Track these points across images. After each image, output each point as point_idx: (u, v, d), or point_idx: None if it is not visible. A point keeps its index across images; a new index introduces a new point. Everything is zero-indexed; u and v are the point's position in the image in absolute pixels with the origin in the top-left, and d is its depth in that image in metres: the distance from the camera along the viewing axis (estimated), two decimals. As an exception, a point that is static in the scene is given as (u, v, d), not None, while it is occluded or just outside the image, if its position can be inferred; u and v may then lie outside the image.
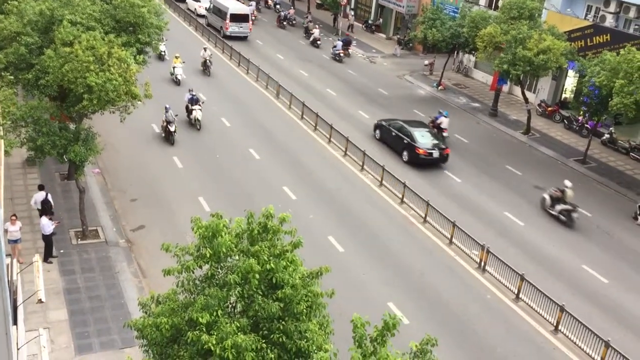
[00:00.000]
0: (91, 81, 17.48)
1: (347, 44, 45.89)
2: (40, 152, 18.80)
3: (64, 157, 19.18)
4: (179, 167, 26.03)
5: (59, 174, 23.96)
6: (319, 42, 47.71)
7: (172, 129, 27.72)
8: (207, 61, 37.89)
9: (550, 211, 24.95)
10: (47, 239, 18.89)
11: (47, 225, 18.66)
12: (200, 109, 29.83)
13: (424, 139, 28.38)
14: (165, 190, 24.11)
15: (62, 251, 19.53)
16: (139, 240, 20.87)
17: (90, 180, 23.67)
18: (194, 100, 30.03)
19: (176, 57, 36.08)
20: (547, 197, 25.23)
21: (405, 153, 28.70)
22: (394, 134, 29.56)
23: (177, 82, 35.69)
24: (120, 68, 18.15)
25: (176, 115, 28.06)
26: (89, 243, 20.14)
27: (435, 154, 28.06)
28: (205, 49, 38.54)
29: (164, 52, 39.19)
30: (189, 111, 29.98)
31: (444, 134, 30.80)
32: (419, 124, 30.52)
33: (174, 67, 35.93)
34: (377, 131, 30.94)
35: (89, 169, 23.64)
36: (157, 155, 26.94)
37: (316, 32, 48.34)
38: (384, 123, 30.68)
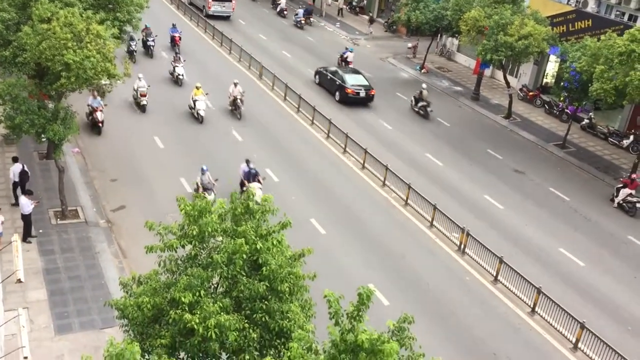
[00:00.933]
0: (69, 59, 17.13)
1: (308, 13, 48.66)
2: (18, 130, 18.50)
3: (42, 136, 18.89)
4: (159, 146, 25.83)
5: (38, 153, 23.59)
6: (285, 12, 50.70)
7: (210, 197, 19.82)
8: (239, 100, 29.42)
9: (415, 109, 32.44)
10: (26, 219, 18.64)
11: (26, 204, 18.41)
12: (261, 188, 21.42)
13: (352, 81, 32.78)
14: (146, 170, 23.91)
15: (41, 231, 19.30)
16: (119, 221, 20.70)
17: (69, 159, 23.36)
18: (251, 175, 22.14)
19: (197, 88, 28.71)
20: (412, 98, 32.84)
21: (337, 93, 32.93)
22: (329, 77, 33.95)
23: (199, 120, 28.54)
24: (97, 44, 17.81)
25: (216, 180, 21.38)
26: (68, 223, 19.92)
27: (362, 93, 32.45)
28: (235, 84, 29.74)
29: (182, 75, 32.39)
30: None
31: (350, 67, 36.15)
32: (352, 71, 34.48)
33: (194, 101, 28.53)
34: (317, 76, 35.23)
35: (69, 148, 23.31)
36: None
37: (283, 3, 51.31)
38: (321, 69, 35.13)
